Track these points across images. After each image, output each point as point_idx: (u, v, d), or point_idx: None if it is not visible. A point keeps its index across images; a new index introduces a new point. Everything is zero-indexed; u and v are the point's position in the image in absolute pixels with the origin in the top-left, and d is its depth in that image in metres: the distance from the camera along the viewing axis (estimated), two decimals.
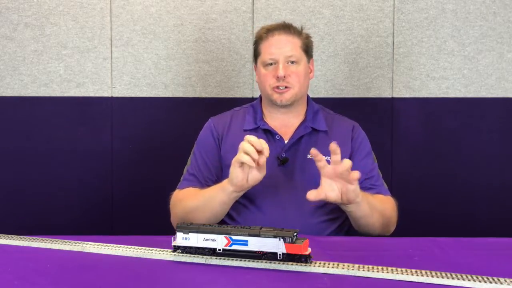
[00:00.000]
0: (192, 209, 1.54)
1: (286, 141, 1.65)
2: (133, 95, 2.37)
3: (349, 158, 1.54)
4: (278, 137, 1.65)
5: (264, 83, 1.66)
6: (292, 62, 1.63)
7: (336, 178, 1.40)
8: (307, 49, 1.69)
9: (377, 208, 1.53)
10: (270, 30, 1.67)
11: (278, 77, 1.61)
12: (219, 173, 1.67)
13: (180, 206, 1.59)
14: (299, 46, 1.66)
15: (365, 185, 1.61)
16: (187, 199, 1.58)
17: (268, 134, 1.66)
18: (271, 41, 1.65)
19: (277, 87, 1.63)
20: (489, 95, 2.35)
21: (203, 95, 2.37)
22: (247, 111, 1.74)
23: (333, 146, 1.36)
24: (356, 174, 1.37)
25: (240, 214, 1.61)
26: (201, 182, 1.65)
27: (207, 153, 1.68)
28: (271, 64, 1.64)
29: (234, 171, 1.41)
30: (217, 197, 1.49)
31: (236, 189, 1.44)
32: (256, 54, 1.71)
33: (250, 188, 1.46)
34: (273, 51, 1.64)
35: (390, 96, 2.36)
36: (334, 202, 1.44)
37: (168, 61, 2.37)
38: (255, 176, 1.41)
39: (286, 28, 1.67)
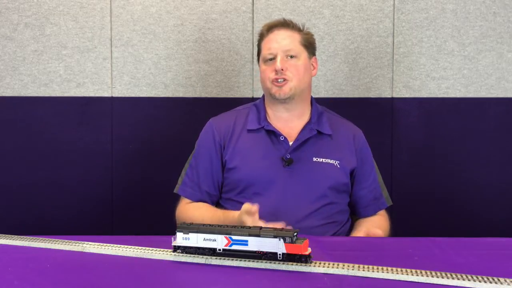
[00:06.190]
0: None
1: (290, 143, 1.65)
2: (133, 95, 2.37)
3: (356, 168, 1.64)
4: (282, 138, 1.65)
5: (264, 78, 1.68)
6: (291, 57, 1.65)
7: None
8: (308, 45, 1.70)
9: (382, 235, 1.57)
10: (270, 27, 1.70)
11: (276, 70, 1.63)
12: (219, 178, 1.68)
13: (187, 219, 1.60)
14: (298, 41, 1.67)
15: (369, 197, 1.67)
16: (196, 217, 1.60)
17: (272, 135, 1.66)
18: (270, 37, 1.68)
19: (276, 80, 1.64)
20: (489, 95, 2.34)
21: (203, 95, 2.37)
22: (251, 110, 1.73)
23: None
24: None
25: None
26: (203, 193, 1.67)
27: (208, 161, 1.69)
28: (271, 59, 1.66)
29: (244, 220, 1.40)
30: (226, 220, 1.50)
31: None
32: (258, 52, 1.73)
33: None
34: (272, 45, 1.66)
35: (390, 96, 2.36)
36: None
37: (168, 61, 2.37)
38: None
39: (285, 23, 1.70)
